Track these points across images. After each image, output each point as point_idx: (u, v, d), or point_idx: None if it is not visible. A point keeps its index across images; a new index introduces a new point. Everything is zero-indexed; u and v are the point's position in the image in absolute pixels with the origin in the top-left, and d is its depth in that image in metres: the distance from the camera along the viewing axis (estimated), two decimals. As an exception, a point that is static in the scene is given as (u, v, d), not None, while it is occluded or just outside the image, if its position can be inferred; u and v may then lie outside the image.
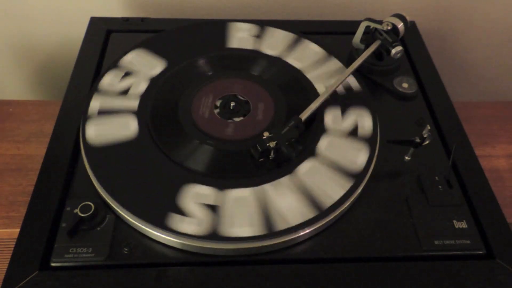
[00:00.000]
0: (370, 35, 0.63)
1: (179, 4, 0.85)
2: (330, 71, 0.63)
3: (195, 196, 0.48)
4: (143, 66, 0.61)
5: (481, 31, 0.90)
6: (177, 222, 0.46)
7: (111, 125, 0.54)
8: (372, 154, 0.53)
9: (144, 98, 0.57)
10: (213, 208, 0.47)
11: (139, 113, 0.56)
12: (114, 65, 0.62)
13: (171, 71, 0.61)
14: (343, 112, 0.57)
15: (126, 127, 0.54)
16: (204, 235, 0.45)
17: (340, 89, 0.59)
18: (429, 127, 0.51)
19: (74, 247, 0.45)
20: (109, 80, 0.59)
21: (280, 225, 0.46)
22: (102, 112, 0.55)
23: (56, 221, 0.47)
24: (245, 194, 0.48)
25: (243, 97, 0.59)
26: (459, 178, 0.53)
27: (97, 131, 0.53)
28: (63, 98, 0.60)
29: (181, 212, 0.47)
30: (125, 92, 0.58)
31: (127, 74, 0.60)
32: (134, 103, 0.57)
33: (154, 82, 0.59)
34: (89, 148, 0.52)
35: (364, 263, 0.46)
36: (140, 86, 0.59)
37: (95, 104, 0.56)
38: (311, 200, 0.48)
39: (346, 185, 0.50)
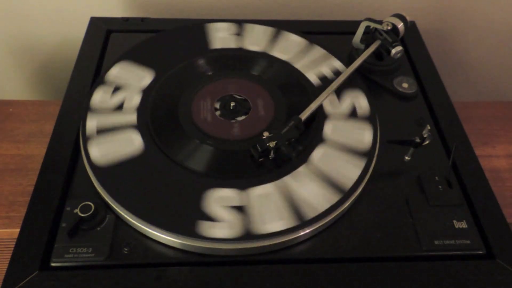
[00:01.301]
0: (370, 35, 0.63)
1: (179, 4, 0.85)
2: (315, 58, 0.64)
3: (219, 200, 0.48)
4: (131, 79, 0.60)
5: (481, 31, 0.90)
6: (207, 228, 0.45)
7: (115, 143, 0.53)
8: (375, 133, 0.54)
9: (141, 108, 0.56)
10: (240, 209, 0.47)
11: (139, 125, 0.54)
12: (102, 81, 0.60)
13: (167, 75, 0.60)
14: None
15: (130, 143, 0.52)
16: (236, 237, 0.45)
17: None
18: (429, 127, 0.51)
19: (74, 247, 0.45)
20: (100, 97, 0.57)
21: (309, 214, 0.46)
22: (102, 131, 0.53)
23: (56, 221, 0.47)
24: (269, 190, 0.49)
25: (243, 97, 0.59)
26: (459, 178, 0.53)
27: (102, 151, 0.52)
28: (63, 98, 0.60)
29: (207, 217, 0.46)
30: (119, 107, 0.57)
31: (116, 89, 0.59)
32: (132, 116, 0.55)
33: (148, 92, 0.58)
34: (95, 168, 0.50)
35: (364, 263, 0.46)
36: (133, 99, 0.58)
37: (92, 123, 0.54)
38: (331, 184, 0.49)
39: (360, 164, 0.51)
